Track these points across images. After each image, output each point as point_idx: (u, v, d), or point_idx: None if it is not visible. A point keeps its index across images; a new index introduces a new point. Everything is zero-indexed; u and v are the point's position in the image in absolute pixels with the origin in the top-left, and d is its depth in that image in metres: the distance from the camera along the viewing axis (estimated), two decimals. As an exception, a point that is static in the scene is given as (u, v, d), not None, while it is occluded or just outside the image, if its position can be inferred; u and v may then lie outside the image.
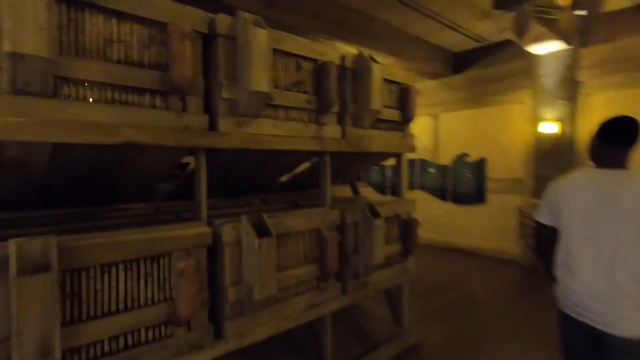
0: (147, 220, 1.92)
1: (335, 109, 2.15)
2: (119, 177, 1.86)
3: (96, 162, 1.60)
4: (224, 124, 1.67)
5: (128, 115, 1.41)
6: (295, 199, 2.90)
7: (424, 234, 6.51)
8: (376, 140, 2.46)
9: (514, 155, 5.42)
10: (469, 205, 6.02)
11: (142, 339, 1.47)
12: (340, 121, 2.23)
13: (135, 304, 1.45)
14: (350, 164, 2.86)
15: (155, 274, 1.49)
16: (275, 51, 1.87)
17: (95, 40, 1.35)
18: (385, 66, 2.43)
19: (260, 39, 1.64)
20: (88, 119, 1.31)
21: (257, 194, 2.92)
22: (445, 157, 6.36)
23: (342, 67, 2.22)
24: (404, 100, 2.66)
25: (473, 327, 3.17)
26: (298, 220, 1.98)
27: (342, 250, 2.24)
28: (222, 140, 1.66)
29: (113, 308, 1.39)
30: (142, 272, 1.46)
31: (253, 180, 2.66)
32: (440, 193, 6.43)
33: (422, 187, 6.72)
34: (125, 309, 1.42)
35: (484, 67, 5.96)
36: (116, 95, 1.40)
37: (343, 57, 2.22)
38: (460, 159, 6.14)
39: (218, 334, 1.68)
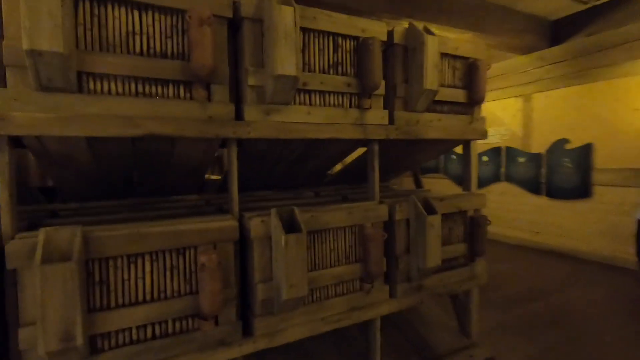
0: (188, 211, 1.95)
1: (381, 91, 1.91)
2: (163, 169, 1.92)
3: (133, 155, 1.65)
4: (249, 112, 1.59)
5: (150, 107, 1.41)
6: (347, 192, 2.73)
7: (512, 232, 5.77)
8: (434, 125, 2.15)
9: (632, 140, 4.40)
10: (569, 201, 5.10)
11: (170, 330, 1.48)
12: (388, 105, 1.99)
13: (162, 295, 1.46)
14: (407, 153, 2.57)
15: (181, 267, 1.49)
16: (309, 30, 1.71)
17: (118, 34, 1.37)
18: (445, 38, 2.09)
19: (286, 17, 1.50)
20: (110, 112, 1.34)
21: (312, 187, 2.82)
22: (539, 144, 5.48)
23: (389, 43, 1.97)
24: (471, 78, 2.27)
25: (560, 347, 2.63)
26: (336, 216, 1.81)
27: (390, 250, 2.01)
28: (247, 130, 1.57)
29: (140, 298, 1.42)
30: (168, 264, 1.46)
31: (303, 172, 2.56)
32: (532, 186, 5.58)
33: (509, 179, 5.93)
34: (152, 300, 1.44)
35: (592, 33, 4.93)
36: (139, 87, 1.41)
37: (390, 32, 1.96)
38: (558, 145, 5.23)
39: (247, 332, 1.63)
